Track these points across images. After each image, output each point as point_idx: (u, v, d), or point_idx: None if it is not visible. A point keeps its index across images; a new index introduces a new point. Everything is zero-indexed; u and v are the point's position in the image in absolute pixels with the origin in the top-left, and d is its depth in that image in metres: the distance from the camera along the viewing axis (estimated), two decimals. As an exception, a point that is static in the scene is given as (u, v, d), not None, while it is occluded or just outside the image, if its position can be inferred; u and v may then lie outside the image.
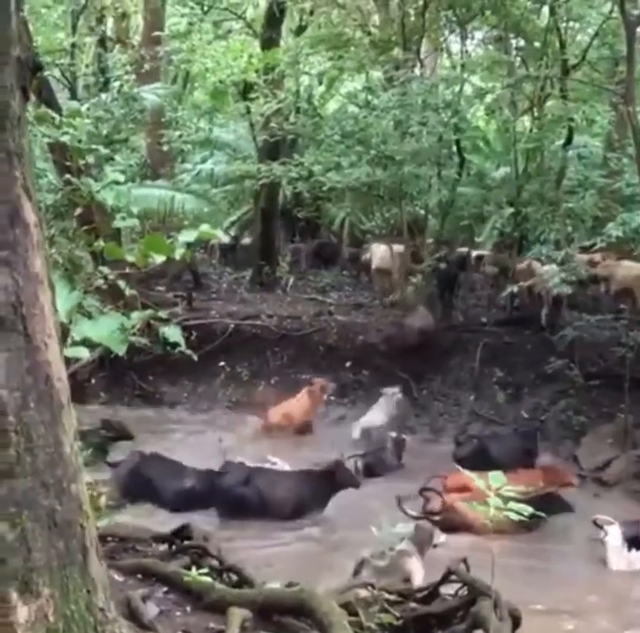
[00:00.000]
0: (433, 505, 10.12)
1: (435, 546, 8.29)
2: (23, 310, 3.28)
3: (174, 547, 5.62)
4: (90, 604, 3.47)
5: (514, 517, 4.20)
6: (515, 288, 14.62)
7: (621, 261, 15.12)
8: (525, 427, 13.38)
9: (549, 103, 17.18)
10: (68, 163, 8.41)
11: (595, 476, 11.95)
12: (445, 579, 5.53)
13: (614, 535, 9.58)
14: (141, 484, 10.60)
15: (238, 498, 10.29)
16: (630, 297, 15.59)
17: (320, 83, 21.55)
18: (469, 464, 11.39)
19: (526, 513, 4.25)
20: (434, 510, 9.95)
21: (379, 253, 18.15)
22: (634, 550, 9.61)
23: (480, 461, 11.26)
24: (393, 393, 13.96)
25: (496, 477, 4.29)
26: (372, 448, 12.51)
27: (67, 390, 3.49)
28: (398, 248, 17.23)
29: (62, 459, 3.40)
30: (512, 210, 16.63)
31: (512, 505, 4.22)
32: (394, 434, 12.72)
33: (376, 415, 13.70)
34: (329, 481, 10.48)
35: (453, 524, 9.72)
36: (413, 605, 5.34)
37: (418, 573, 7.79)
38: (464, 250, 18.27)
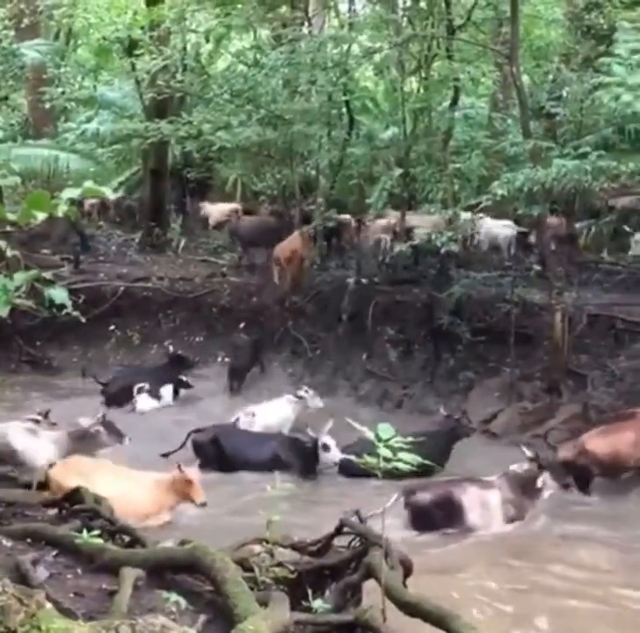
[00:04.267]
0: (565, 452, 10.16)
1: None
2: None
3: (64, 511, 5.55)
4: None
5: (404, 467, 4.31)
6: (403, 247, 14.82)
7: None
8: None
9: (435, 63, 17.28)
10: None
11: (483, 428, 12.28)
12: (338, 532, 5.63)
13: None
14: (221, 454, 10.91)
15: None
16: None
17: (207, 41, 21.15)
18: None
19: (415, 463, 4.37)
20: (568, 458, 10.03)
21: (214, 211, 20.27)
22: None
23: None
24: None
25: (385, 429, 4.38)
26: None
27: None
28: (229, 206, 20.11)
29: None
30: (400, 170, 16.75)
31: (401, 455, 4.33)
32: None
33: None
34: (448, 437, 11.08)
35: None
36: (307, 558, 5.44)
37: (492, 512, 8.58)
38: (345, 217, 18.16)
